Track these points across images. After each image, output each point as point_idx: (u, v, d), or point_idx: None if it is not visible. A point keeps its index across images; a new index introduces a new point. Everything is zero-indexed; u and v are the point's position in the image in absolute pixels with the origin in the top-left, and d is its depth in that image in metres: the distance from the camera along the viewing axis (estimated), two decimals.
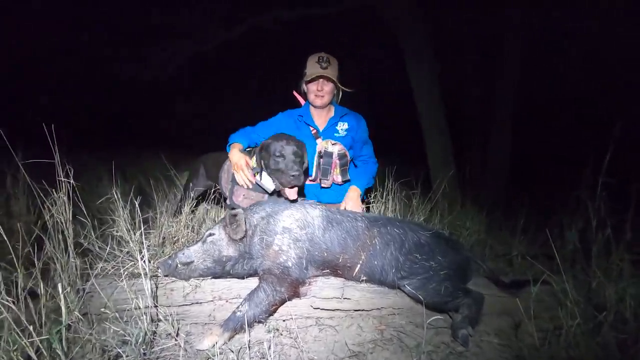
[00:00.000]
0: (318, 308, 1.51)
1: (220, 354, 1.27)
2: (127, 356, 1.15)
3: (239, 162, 1.91)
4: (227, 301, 1.49)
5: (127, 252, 1.77)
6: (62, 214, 1.51)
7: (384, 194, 2.50)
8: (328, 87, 2.12)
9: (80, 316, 1.28)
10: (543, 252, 2.01)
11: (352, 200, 2.09)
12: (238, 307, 1.38)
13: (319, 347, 1.36)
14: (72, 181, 1.54)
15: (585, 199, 1.65)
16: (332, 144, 2.12)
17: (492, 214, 2.83)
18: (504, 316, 1.56)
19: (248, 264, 1.58)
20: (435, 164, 4.06)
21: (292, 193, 1.80)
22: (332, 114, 2.24)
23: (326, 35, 6.07)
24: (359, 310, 1.53)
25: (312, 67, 2.09)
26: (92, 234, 1.77)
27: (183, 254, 1.56)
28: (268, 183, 1.88)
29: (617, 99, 4.64)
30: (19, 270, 1.25)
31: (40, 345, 1.07)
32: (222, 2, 4.77)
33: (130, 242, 1.75)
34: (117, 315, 1.32)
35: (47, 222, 1.49)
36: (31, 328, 1.05)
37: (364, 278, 1.59)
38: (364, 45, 6.58)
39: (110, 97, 8.48)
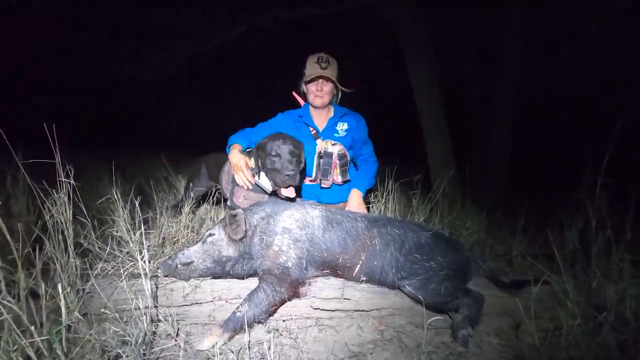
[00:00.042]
0: (318, 308, 1.51)
1: (220, 354, 1.27)
2: (127, 356, 1.15)
3: (238, 163, 1.91)
4: (227, 301, 1.49)
5: (127, 253, 1.77)
6: (62, 214, 1.51)
7: (384, 193, 2.50)
8: (328, 87, 2.12)
9: (80, 316, 1.28)
10: (543, 252, 2.01)
11: (355, 204, 2.09)
12: (238, 308, 1.38)
13: (318, 347, 1.36)
14: (72, 181, 1.54)
15: (585, 199, 1.65)
16: (332, 144, 2.12)
17: (492, 214, 2.83)
18: (504, 316, 1.56)
19: (248, 265, 1.58)
20: (435, 164, 4.06)
21: (288, 192, 1.77)
22: (331, 114, 2.24)
23: (326, 35, 6.07)
24: (359, 310, 1.53)
25: (312, 67, 2.09)
26: (92, 234, 1.77)
27: (183, 254, 1.56)
28: (266, 183, 1.87)
29: (617, 99, 4.64)
30: (20, 271, 1.25)
31: (40, 345, 1.07)
32: (222, 2, 4.77)
33: (130, 242, 1.75)
34: (117, 315, 1.32)
35: (47, 222, 1.49)
36: (32, 328, 1.05)
37: (364, 278, 1.59)
38: (364, 45, 6.58)
39: (110, 97, 8.48)
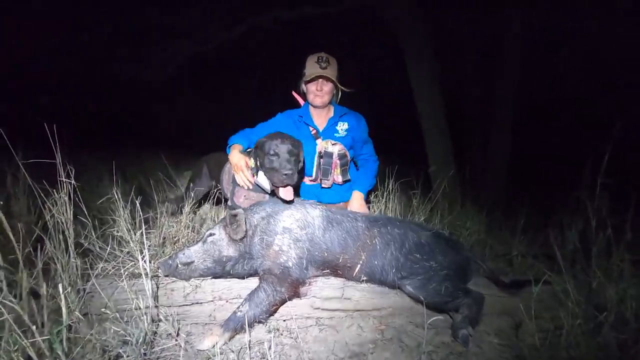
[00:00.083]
0: (318, 308, 1.51)
1: (221, 354, 1.27)
2: (127, 356, 1.16)
3: (238, 163, 1.91)
4: (227, 301, 1.49)
5: (128, 252, 1.77)
6: (63, 214, 1.51)
7: (384, 193, 2.50)
8: (327, 86, 2.12)
9: (80, 316, 1.28)
10: (543, 252, 2.01)
11: (356, 206, 2.10)
12: (238, 307, 1.38)
13: (319, 347, 1.36)
14: (72, 181, 1.54)
15: (585, 199, 1.65)
16: (332, 144, 2.12)
17: (492, 214, 2.83)
18: (504, 316, 1.56)
19: (248, 264, 1.58)
20: (436, 164, 4.06)
21: (285, 192, 1.71)
22: (331, 113, 2.24)
23: (326, 35, 6.07)
24: (359, 310, 1.54)
25: (312, 67, 2.09)
26: (93, 234, 1.77)
27: (183, 254, 1.56)
28: (264, 182, 1.86)
29: (617, 98, 4.64)
30: (22, 270, 1.25)
31: (41, 345, 1.07)
32: (222, 2, 4.77)
33: (131, 242, 1.75)
34: (118, 315, 1.32)
35: (48, 222, 1.49)
36: (33, 328, 1.05)
37: (364, 278, 1.59)
38: (364, 45, 6.58)
39: (110, 97, 8.48)
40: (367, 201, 2.45)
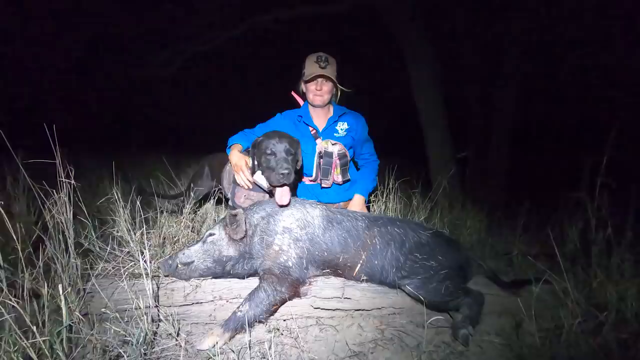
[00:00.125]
0: (318, 308, 1.51)
1: (221, 354, 1.27)
2: (128, 356, 1.15)
3: (238, 163, 1.90)
4: (227, 301, 1.49)
5: (128, 252, 1.77)
6: (63, 214, 1.51)
7: (384, 193, 2.50)
8: (327, 86, 2.12)
9: (81, 316, 1.28)
10: (543, 252, 2.01)
11: (357, 209, 2.10)
12: (239, 307, 1.38)
13: (319, 346, 1.36)
14: (72, 181, 1.54)
15: (585, 199, 1.66)
16: (332, 144, 2.12)
17: (492, 214, 2.84)
18: (505, 316, 1.56)
19: (248, 264, 1.58)
20: (435, 163, 4.06)
21: (281, 196, 1.65)
22: (331, 113, 2.24)
23: (326, 35, 6.08)
24: (359, 310, 1.54)
25: (311, 66, 2.09)
26: (93, 234, 1.77)
27: (183, 254, 1.56)
28: (262, 181, 1.85)
29: (617, 99, 4.64)
30: (23, 270, 1.25)
31: (42, 345, 1.07)
32: (223, 2, 4.77)
33: (131, 242, 1.75)
34: (118, 315, 1.32)
35: (48, 223, 1.49)
36: (34, 328, 1.05)
37: (365, 278, 1.59)
38: (364, 45, 6.58)
39: (111, 97, 8.49)
40: (367, 201, 2.45)
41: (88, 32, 6.03)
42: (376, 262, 1.58)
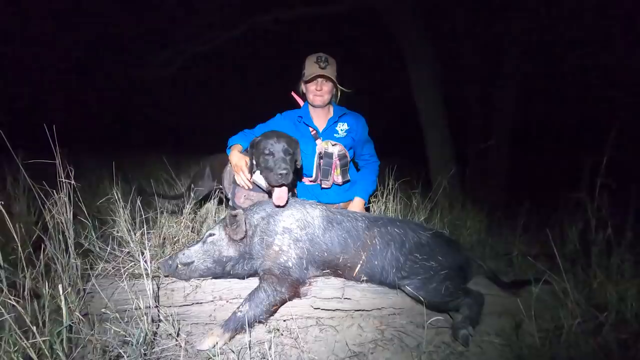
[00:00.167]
0: (318, 308, 1.51)
1: (221, 354, 1.27)
2: (128, 357, 1.15)
3: (238, 163, 1.90)
4: (227, 301, 1.49)
5: (128, 253, 1.77)
6: (63, 214, 1.51)
7: (384, 193, 2.50)
8: (327, 86, 2.12)
9: (81, 317, 1.28)
10: (543, 252, 2.01)
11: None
12: (238, 308, 1.38)
13: (319, 347, 1.36)
14: (72, 182, 1.54)
15: (585, 199, 1.66)
16: (332, 145, 2.12)
17: (492, 214, 2.84)
18: (505, 316, 1.56)
19: (248, 264, 1.58)
20: (435, 163, 4.06)
21: (278, 197, 1.65)
22: (331, 114, 2.24)
23: (326, 35, 6.08)
24: (359, 310, 1.54)
25: (311, 67, 2.09)
26: (93, 234, 1.77)
27: (183, 254, 1.56)
28: (261, 181, 1.84)
29: (617, 99, 4.64)
30: (24, 270, 1.25)
31: (42, 345, 1.07)
32: (223, 2, 4.77)
33: (131, 242, 1.75)
34: (118, 315, 1.33)
35: (48, 223, 1.49)
36: (34, 329, 1.05)
37: (365, 278, 1.59)
38: (364, 45, 6.58)
39: (111, 97, 8.49)
40: (367, 202, 2.46)
41: (88, 32, 6.03)
42: (376, 262, 1.58)
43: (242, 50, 7.40)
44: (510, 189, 4.58)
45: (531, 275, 1.64)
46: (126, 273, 1.55)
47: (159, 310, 1.38)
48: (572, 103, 5.49)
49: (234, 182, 1.97)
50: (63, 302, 1.16)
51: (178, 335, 1.33)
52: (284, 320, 1.48)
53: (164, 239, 1.92)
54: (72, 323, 1.25)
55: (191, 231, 2.04)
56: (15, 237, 1.24)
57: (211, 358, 1.22)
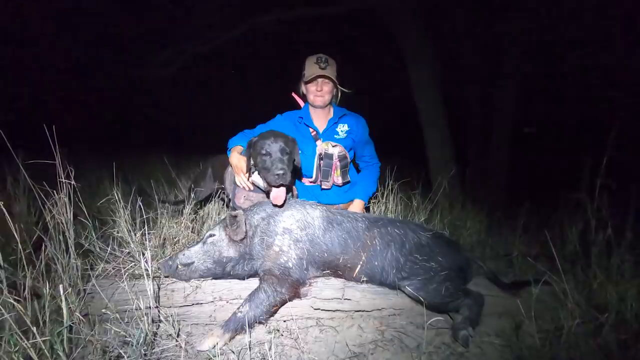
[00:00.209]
0: (319, 309, 1.51)
1: (221, 354, 1.27)
2: (128, 357, 1.16)
3: (238, 164, 1.90)
4: (227, 302, 1.49)
5: (128, 253, 1.77)
6: (63, 214, 1.51)
7: (384, 193, 2.50)
8: (327, 86, 2.12)
9: (81, 317, 1.28)
10: (543, 253, 2.02)
11: None
12: (239, 308, 1.38)
13: (319, 347, 1.36)
14: (72, 182, 1.55)
15: (585, 200, 1.66)
16: (333, 146, 2.12)
17: (492, 214, 2.84)
18: (505, 317, 1.56)
19: (248, 265, 1.58)
20: (435, 163, 4.06)
21: (276, 197, 1.65)
22: (331, 115, 2.24)
23: (326, 35, 6.07)
24: (359, 311, 1.54)
25: (311, 67, 2.09)
26: (93, 234, 1.77)
27: (184, 254, 1.56)
28: (259, 181, 1.84)
29: (617, 99, 4.64)
30: (25, 270, 1.25)
31: (42, 346, 1.07)
32: (223, 2, 4.77)
33: (131, 242, 1.75)
34: (118, 316, 1.33)
35: (48, 223, 1.49)
36: (34, 329, 1.05)
37: (365, 279, 1.59)
38: (364, 45, 6.58)
39: (111, 97, 8.49)
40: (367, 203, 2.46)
41: (88, 32, 6.03)
42: (376, 263, 1.58)
43: (242, 50, 7.40)
44: (510, 189, 4.58)
45: (531, 276, 1.64)
46: (126, 273, 1.55)
47: (159, 311, 1.39)
48: (572, 103, 5.49)
49: (234, 182, 1.97)
50: (63, 303, 1.16)
51: (178, 335, 1.33)
52: (284, 321, 1.48)
53: (164, 239, 1.92)
54: (73, 323, 1.25)
55: (191, 232, 2.04)
56: (16, 237, 1.24)
57: (211, 359, 1.22)
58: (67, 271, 1.44)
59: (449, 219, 2.52)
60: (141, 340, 1.22)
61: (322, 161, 2.12)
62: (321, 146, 2.12)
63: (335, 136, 2.17)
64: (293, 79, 2.30)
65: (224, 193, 2.18)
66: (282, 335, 1.41)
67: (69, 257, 1.46)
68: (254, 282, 1.54)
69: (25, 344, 1.04)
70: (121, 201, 1.84)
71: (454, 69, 5.08)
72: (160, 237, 1.90)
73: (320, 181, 2.14)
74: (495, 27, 4.57)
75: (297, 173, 2.03)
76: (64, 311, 1.17)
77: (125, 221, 1.81)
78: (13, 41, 6.06)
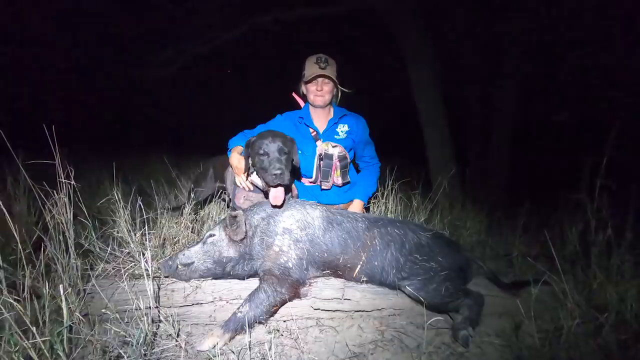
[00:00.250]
0: (319, 309, 1.51)
1: (221, 354, 1.27)
2: (128, 357, 1.16)
3: (238, 164, 1.90)
4: (227, 302, 1.49)
5: (128, 253, 1.77)
6: (63, 215, 1.51)
7: (384, 194, 2.50)
8: (328, 86, 2.12)
9: (81, 317, 1.28)
10: (543, 253, 2.02)
11: None
12: (239, 308, 1.38)
13: (319, 347, 1.36)
14: (72, 182, 1.55)
15: (584, 200, 1.66)
16: (333, 146, 2.12)
17: (492, 214, 2.84)
18: (505, 317, 1.56)
19: (248, 265, 1.58)
20: (435, 163, 4.06)
21: (274, 197, 1.64)
22: (331, 115, 2.24)
23: (326, 35, 6.07)
24: (359, 311, 1.54)
25: (311, 67, 2.09)
26: (93, 234, 1.77)
27: (183, 255, 1.56)
28: (258, 181, 1.84)
29: (617, 99, 4.64)
30: (25, 270, 1.25)
31: (42, 346, 1.07)
32: (223, 2, 4.77)
33: (131, 243, 1.75)
34: (118, 316, 1.33)
35: (48, 223, 1.49)
36: (34, 329, 1.05)
37: (365, 279, 1.59)
38: (364, 45, 6.58)
39: (111, 97, 8.49)
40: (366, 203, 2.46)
41: (88, 32, 6.04)
42: (376, 263, 1.58)
43: (242, 50, 7.40)
44: (510, 189, 4.58)
45: (531, 276, 1.64)
46: (126, 273, 1.55)
47: (159, 311, 1.39)
48: (572, 103, 5.49)
49: (234, 182, 1.97)
50: (63, 303, 1.16)
51: (178, 335, 1.33)
52: (284, 321, 1.48)
53: (164, 239, 1.92)
54: (73, 323, 1.25)
55: (191, 232, 2.05)
56: (16, 237, 1.24)
57: (211, 359, 1.22)
58: (67, 271, 1.44)
59: (449, 219, 2.52)
60: (141, 340, 1.22)
61: (322, 161, 2.12)
62: (321, 146, 2.12)
63: (335, 136, 2.17)
64: (293, 79, 2.30)
65: (225, 193, 2.18)
66: (282, 335, 1.41)
67: (69, 257, 1.46)
68: (254, 282, 1.54)
69: (25, 344, 1.04)
70: (121, 201, 1.84)
71: (454, 69, 5.08)
72: (160, 237, 1.90)
73: (320, 181, 2.14)
74: (495, 27, 4.57)
75: (295, 173, 2.03)
76: (64, 311, 1.17)
77: (125, 221, 1.81)
78: (13, 41, 6.06)
